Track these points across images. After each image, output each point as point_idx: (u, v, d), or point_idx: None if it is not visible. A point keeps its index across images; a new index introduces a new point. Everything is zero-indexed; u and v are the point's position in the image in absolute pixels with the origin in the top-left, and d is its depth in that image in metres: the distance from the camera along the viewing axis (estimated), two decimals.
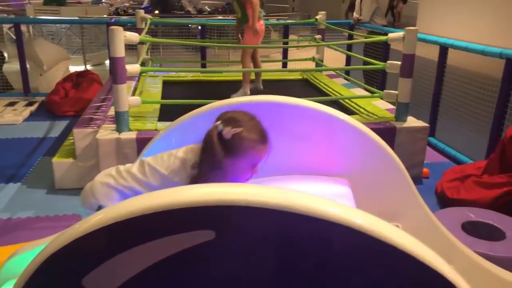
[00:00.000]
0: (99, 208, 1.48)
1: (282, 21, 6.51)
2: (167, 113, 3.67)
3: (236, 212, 0.84)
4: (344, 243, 0.85)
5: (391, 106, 3.90)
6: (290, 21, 6.81)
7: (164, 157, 1.48)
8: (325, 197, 1.40)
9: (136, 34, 3.14)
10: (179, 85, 4.95)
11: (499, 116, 3.41)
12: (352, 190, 1.62)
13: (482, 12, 10.62)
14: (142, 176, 1.45)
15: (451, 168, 3.40)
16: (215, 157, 1.37)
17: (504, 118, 3.40)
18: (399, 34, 3.43)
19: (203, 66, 5.90)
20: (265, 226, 0.84)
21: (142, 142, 3.09)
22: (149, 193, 0.89)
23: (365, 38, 4.99)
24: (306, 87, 4.98)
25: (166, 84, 4.79)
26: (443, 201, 3.12)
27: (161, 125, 3.33)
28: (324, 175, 1.70)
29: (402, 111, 3.55)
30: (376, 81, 5.47)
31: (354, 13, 5.89)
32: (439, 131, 4.31)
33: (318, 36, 5.27)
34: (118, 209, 0.88)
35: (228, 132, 1.37)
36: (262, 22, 4.29)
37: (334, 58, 6.43)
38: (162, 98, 4.22)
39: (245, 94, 4.18)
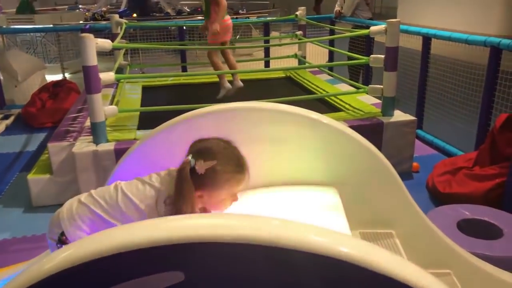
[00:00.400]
0: (61, 237, 1.36)
1: (262, 19, 6.40)
2: (148, 121, 3.54)
3: (207, 249, 0.73)
4: (332, 277, 0.74)
5: (377, 101, 3.82)
6: (270, 18, 6.70)
7: (139, 185, 1.38)
8: (313, 211, 1.29)
9: (109, 41, 2.99)
10: (159, 90, 4.81)
11: (486, 105, 3.35)
12: (341, 198, 1.51)
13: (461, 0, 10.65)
14: (112, 206, 1.35)
15: (441, 161, 3.33)
16: (189, 199, 1.29)
17: (491, 107, 3.34)
18: (381, 27, 3.34)
19: (184, 68, 5.76)
20: (243, 264, 0.73)
21: (121, 153, 2.91)
22: (105, 231, 0.77)
23: (349, 32, 4.89)
24: (289, 85, 4.88)
25: (146, 89, 4.65)
26: (435, 195, 3.05)
27: (141, 133, 3.20)
28: (310, 185, 1.59)
29: (388, 105, 3.46)
30: (362, 72, 5.39)
31: (336, 6, 5.78)
32: (426, 122, 4.24)
33: (299, 32, 5.16)
34: (71, 253, 0.76)
35: (201, 167, 1.30)
36: (227, 17, 4.10)
37: (317, 53, 6.34)
38: (142, 104, 4.08)
39: (228, 89, 4.06)
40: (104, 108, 3.03)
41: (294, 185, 1.60)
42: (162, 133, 1.67)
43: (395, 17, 5.69)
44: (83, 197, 1.40)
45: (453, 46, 3.84)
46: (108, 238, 0.73)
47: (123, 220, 1.32)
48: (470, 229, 2.03)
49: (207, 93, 4.56)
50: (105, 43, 2.94)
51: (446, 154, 3.73)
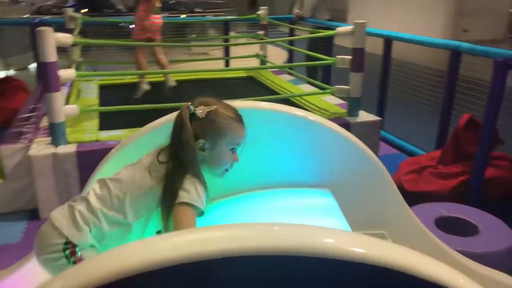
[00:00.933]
0: (66, 247, 1.21)
1: (222, 17, 6.32)
2: (109, 121, 3.37)
3: (224, 264, 0.65)
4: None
5: (341, 101, 3.86)
6: (229, 17, 6.64)
7: (128, 167, 1.33)
8: (312, 213, 1.24)
9: (69, 35, 2.81)
10: (118, 89, 4.60)
11: (447, 106, 3.46)
12: (335, 199, 1.48)
13: (409, 3, 11.15)
14: (105, 198, 1.27)
15: (405, 160, 3.41)
16: (190, 145, 1.24)
17: (452, 107, 3.46)
18: (348, 28, 3.38)
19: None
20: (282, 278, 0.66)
21: (83, 156, 2.79)
22: (128, 246, 0.68)
23: (311, 33, 4.92)
24: (252, 85, 4.84)
25: (104, 88, 4.43)
26: (401, 194, 3.11)
27: (104, 135, 3.03)
28: (302, 186, 1.55)
29: (354, 106, 3.51)
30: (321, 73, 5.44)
31: (295, 8, 5.80)
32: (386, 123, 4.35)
33: (261, 32, 5.13)
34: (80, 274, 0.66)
35: (203, 110, 1.27)
36: (156, 17, 4.08)
37: (275, 53, 6.34)
38: (101, 104, 3.88)
39: (143, 90, 4.01)
40: (64, 107, 2.84)
41: (285, 187, 1.55)
42: (150, 134, 1.56)
43: (345, 21, 5.81)
44: (74, 201, 1.31)
45: (402, 48, 3.98)
46: (136, 253, 0.64)
47: (124, 210, 1.24)
48: (447, 227, 2.08)
49: (168, 92, 4.44)
50: (66, 38, 2.76)
51: (408, 154, 3.84)
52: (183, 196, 1.18)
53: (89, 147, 2.83)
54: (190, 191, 1.20)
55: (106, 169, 1.54)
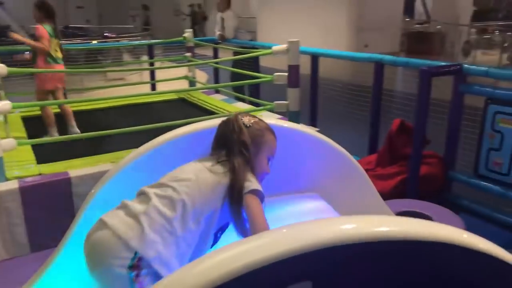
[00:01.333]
0: (134, 262, 1.14)
1: (146, 41, 6.23)
2: (44, 153, 3.17)
3: (335, 254, 0.72)
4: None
5: (279, 116, 4.03)
6: (155, 40, 6.54)
7: (182, 170, 1.39)
8: (312, 216, 1.33)
9: (3, 66, 2.63)
10: (41, 120, 4.31)
11: (375, 113, 3.78)
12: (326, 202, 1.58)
13: (308, 20, 11.96)
14: (173, 201, 1.28)
15: None
16: (246, 139, 1.41)
17: (379, 115, 3.79)
18: (283, 46, 3.56)
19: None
20: (374, 267, 0.74)
21: (28, 192, 2.59)
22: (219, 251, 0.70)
23: (234, 53, 5.08)
24: (186, 107, 4.85)
25: (28, 120, 4.14)
26: None
27: (46, 168, 2.85)
28: (292, 194, 1.62)
29: (294, 119, 3.68)
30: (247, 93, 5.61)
31: (217, 30, 5.96)
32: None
33: (188, 54, 5.18)
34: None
35: (249, 120, 1.47)
36: (58, 65, 3.95)
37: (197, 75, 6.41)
38: (29, 136, 3.63)
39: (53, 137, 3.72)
40: (0, 142, 2.63)
41: (275, 196, 1.61)
42: (149, 153, 1.53)
43: (256, 40, 6.17)
44: (125, 207, 1.27)
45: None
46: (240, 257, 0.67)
47: (194, 206, 1.28)
48: None
49: (98, 119, 4.33)
50: (1, 69, 2.57)
51: None
52: (249, 185, 1.32)
53: (32, 182, 2.64)
54: (253, 181, 1.35)
55: (105, 190, 1.48)
